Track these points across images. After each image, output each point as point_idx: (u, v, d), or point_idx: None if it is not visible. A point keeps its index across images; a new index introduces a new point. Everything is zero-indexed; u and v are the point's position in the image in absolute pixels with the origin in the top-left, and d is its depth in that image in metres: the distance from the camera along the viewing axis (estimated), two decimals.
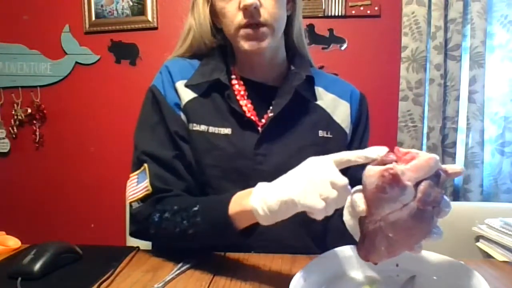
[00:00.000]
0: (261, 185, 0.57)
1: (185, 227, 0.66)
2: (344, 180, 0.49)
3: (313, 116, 0.83)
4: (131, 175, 0.77)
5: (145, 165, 0.75)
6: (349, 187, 0.50)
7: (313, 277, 0.53)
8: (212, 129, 0.78)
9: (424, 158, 0.46)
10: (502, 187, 1.75)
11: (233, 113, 0.79)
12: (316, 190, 0.49)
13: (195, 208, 0.66)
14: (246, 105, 0.81)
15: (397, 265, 0.57)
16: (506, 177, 1.74)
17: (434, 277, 0.55)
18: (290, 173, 0.54)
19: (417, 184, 0.45)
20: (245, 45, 0.77)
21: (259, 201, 0.55)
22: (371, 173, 0.46)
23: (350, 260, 0.58)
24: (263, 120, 0.80)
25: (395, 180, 0.44)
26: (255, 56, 0.81)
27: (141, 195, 0.73)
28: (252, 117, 0.80)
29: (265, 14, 0.75)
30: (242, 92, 0.82)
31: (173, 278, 0.62)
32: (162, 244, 0.76)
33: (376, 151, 0.49)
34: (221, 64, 0.82)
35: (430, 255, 0.57)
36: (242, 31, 0.76)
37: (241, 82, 0.83)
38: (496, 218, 0.88)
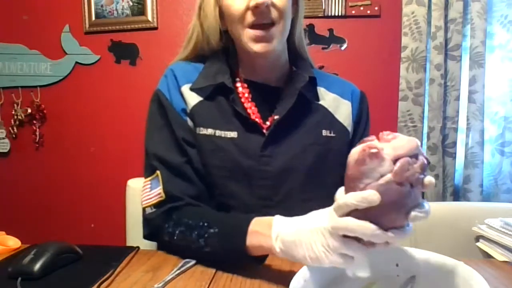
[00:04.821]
0: (280, 224, 0.58)
1: (201, 245, 0.67)
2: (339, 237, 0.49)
3: (316, 116, 0.84)
4: (144, 181, 0.79)
5: (158, 172, 0.77)
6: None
7: (313, 277, 0.53)
8: (218, 132, 0.79)
9: (404, 138, 0.48)
10: (502, 187, 1.75)
11: (238, 116, 0.79)
12: (334, 250, 0.50)
13: (212, 230, 0.67)
14: (250, 107, 0.81)
15: (397, 265, 0.57)
16: (506, 177, 1.74)
17: (434, 277, 0.55)
18: (303, 224, 0.55)
19: (396, 162, 0.46)
20: (254, 47, 0.76)
21: (279, 246, 0.56)
22: (353, 151, 0.49)
23: None
24: (268, 123, 0.81)
25: (374, 153, 0.46)
26: (260, 58, 0.81)
27: (155, 201, 0.75)
28: (257, 120, 0.80)
29: (275, 13, 0.74)
30: (246, 95, 0.83)
31: (173, 278, 0.62)
32: (174, 251, 0.75)
33: (375, 196, 0.47)
34: (224, 66, 0.82)
35: (430, 255, 0.57)
36: (251, 32, 0.75)
37: (245, 85, 0.83)
38: (496, 218, 0.88)
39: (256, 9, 0.73)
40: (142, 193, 0.78)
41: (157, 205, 0.75)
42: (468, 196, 1.72)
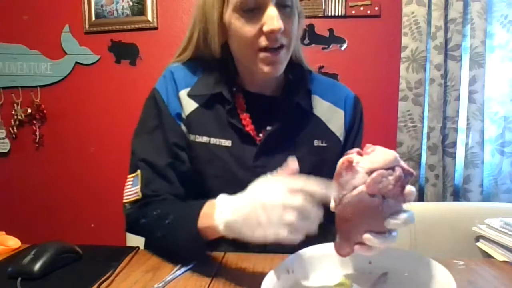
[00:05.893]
0: (222, 203, 0.60)
1: (163, 234, 0.70)
2: (296, 201, 0.51)
3: (309, 126, 0.83)
4: (128, 176, 0.80)
5: (139, 171, 0.78)
6: (307, 205, 0.52)
7: (286, 275, 0.53)
8: (213, 140, 0.79)
9: (381, 152, 0.51)
10: (502, 187, 1.75)
11: (233, 126, 0.79)
12: (274, 221, 0.52)
13: (171, 216, 0.70)
14: (245, 118, 0.81)
15: (370, 263, 0.59)
16: (506, 177, 1.74)
17: (406, 274, 0.56)
18: (247, 197, 0.57)
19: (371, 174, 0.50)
20: (265, 68, 0.75)
21: (222, 225, 0.58)
22: (338, 163, 0.53)
23: (325, 258, 0.59)
24: (261, 135, 0.81)
25: (348, 166, 0.50)
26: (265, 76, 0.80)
27: (132, 199, 0.78)
28: (250, 132, 0.80)
29: (285, 38, 0.74)
30: (242, 106, 0.82)
31: (173, 278, 0.62)
32: (153, 244, 0.78)
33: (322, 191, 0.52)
34: (223, 76, 0.81)
35: (402, 253, 0.59)
36: (264, 55, 0.74)
37: (241, 95, 0.83)
38: (496, 218, 0.88)
39: (271, 35, 0.72)
40: (124, 188, 0.80)
41: (133, 203, 0.78)
42: (468, 196, 1.72)
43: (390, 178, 0.49)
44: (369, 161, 0.50)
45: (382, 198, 0.49)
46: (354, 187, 0.50)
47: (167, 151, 0.79)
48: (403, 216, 0.50)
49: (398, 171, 0.49)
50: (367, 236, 0.51)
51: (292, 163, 0.57)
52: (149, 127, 0.81)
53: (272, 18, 0.71)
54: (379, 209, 0.49)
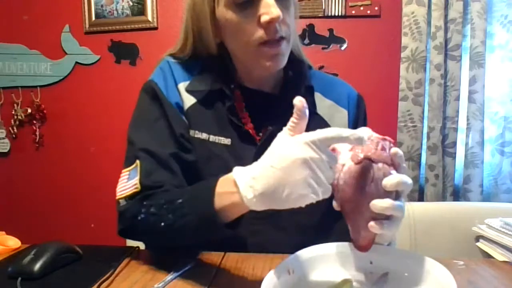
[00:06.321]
0: (245, 175, 0.54)
1: (171, 221, 0.63)
2: (316, 154, 0.50)
3: (310, 126, 0.82)
4: (123, 171, 0.74)
5: (138, 161, 0.72)
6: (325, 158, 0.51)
7: (286, 275, 0.53)
8: (212, 137, 0.77)
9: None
10: (502, 187, 1.75)
11: (233, 123, 0.77)
12: (322, 179, 0.50)
13: (180, 200, 0.63)
14: (244, 117, 0.79)
15: (370, 263, 0.59)
16: (506, 177, 1.74)
17: (406, 274, 0.56)
18: (268, 162, 0.53)
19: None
20: (267, 63, 0.73)
21: (253, 197, 0.52)
22: None
23: (325, 258, 0.59)
24: (261, 134, 0.79)
25: (333, 151, 0.55)
26: (266, 72, 0.78)
27: (129, 193, 0.70)
28: (250, 131, 0.78)
29: (284, 28, 0.72)
30: (241, 103, 0.80)
31: (173, 278, 0.62)
32: (151, 243, 0.76)
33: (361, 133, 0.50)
34: (222, 73, 0.79)
35: (402, 252, 0.59)
36: (263, 49, 0.71)
37: (239, 92, 0.81)
38: (496, 218, 0.88)
39: (270, 25, 0.69)
40: (118, 184, 0.73)
41: (131, 197, 0.70)
42: (468, 196, 1.72)
43: (369, 143, 0.53)
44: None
45: (371, 162, 0.51)
46: (343, 166, 0.53)
47: (171, 141, 0.75)
48: (397, 175, 0.51)
49: (375, 138, 0.54)
50: (373, 203, 0.50)
51: (298, 102, 0.54)
52: (149, 118, 0.77)
53: (269, 6, 0.68)
54: (371, 174, 0.51)
